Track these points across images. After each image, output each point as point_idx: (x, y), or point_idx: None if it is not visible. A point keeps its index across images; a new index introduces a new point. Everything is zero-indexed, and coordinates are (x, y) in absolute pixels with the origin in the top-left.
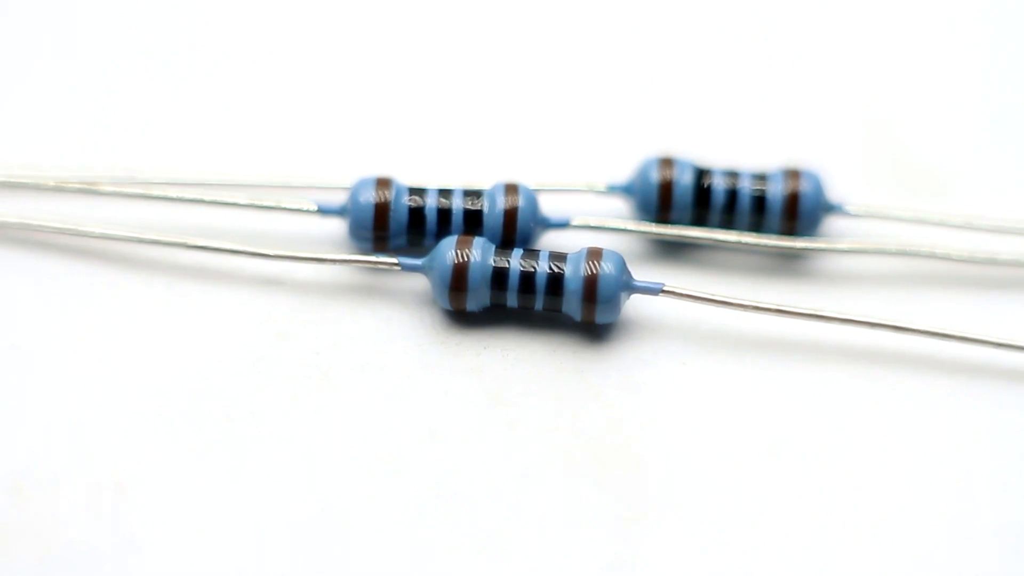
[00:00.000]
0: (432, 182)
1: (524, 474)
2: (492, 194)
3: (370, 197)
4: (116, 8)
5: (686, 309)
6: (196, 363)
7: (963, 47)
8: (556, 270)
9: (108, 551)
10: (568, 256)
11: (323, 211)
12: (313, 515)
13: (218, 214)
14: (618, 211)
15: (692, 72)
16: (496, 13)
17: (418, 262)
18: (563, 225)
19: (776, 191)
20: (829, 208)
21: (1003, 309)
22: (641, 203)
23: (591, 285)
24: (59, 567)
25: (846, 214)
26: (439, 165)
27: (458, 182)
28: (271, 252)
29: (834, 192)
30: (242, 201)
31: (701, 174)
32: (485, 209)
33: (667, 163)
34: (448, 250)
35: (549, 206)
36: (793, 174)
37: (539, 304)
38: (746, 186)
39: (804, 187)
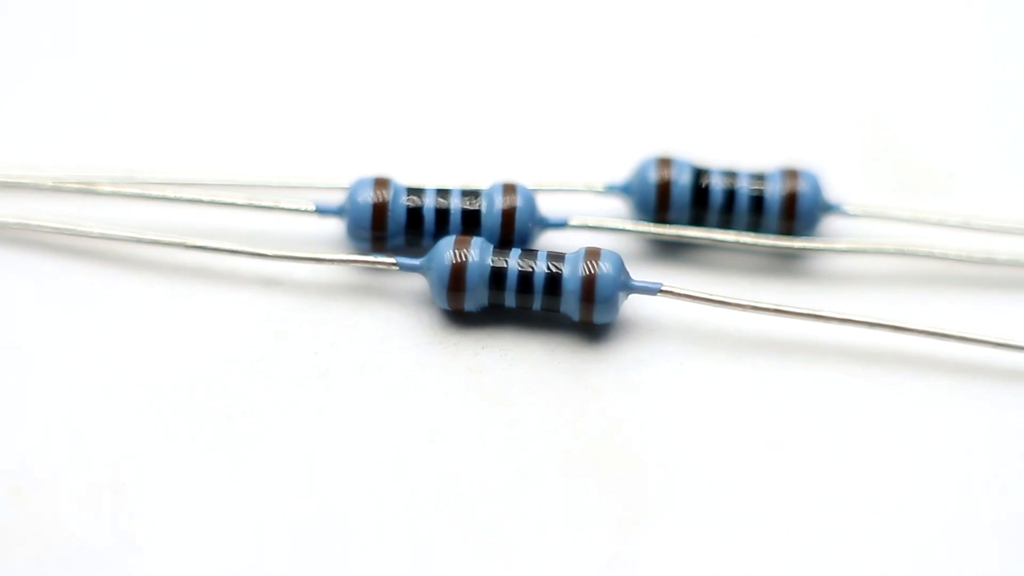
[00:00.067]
0: (430, 182)
1: (523, 474)
2: (490, 194)
3: (368, 197)
4: (115, 8)
5: (684, 309)
6: (194, 363)
7: (963, 47)
8: (554, 270)
9: (108, 551)
10: (566, 256)
11: (321, 211)
12: (312, 515)
13: (216, 214)
14: (616, 211)
15: (690, 72)
16: (494, 13)
17: (416, 262)
18: (561, 225)
19: (774, 191)
20: (827, 208)
21: (1002, 309)
22: (639, 203)
23: (589, 285)
24: (59, 567)
25: (844, 214)
26: (437, 165)
27: (456, 182)
28: (269, 252)
29: (832, 192)
30: (240, 201)
31: (699, 174)
32: (483, 209)
33: (665, 163)
34: (446, 250)
35: (547, 206)
36: (791, 174)
37: (537, 304)
38: (744, 186)
39: (802, 187)
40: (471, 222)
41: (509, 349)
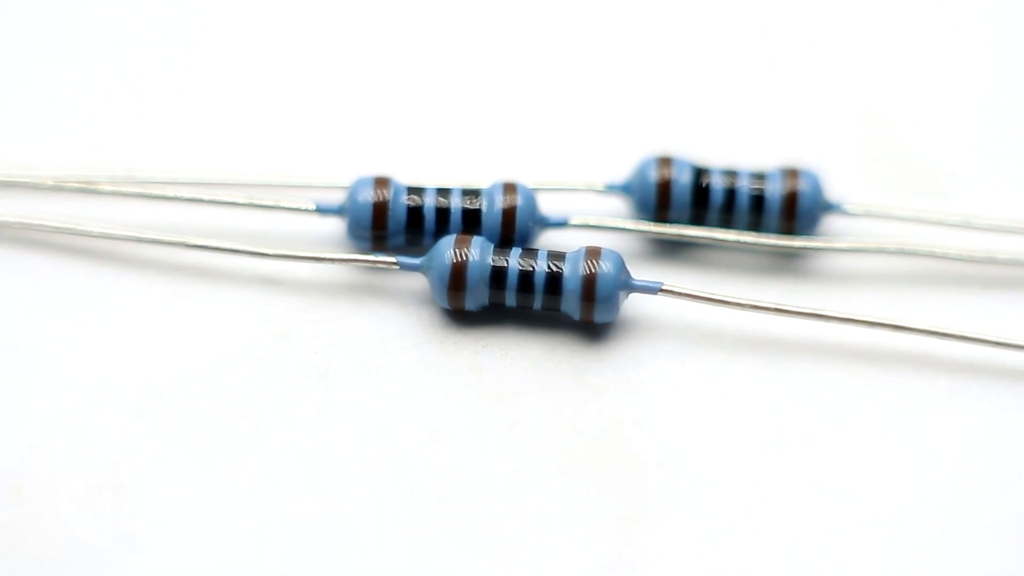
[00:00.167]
0: (431, 181)
1: (523, 473)
2: (491, 193)
3: (369, 196)
4: (115, 8)
5: (685, 308)
6: (195, 363)
7: (963, 47)
8: (555, 269)
9: (108, 551)
10: (567, 255)
11: (322, 210)
12: (312, 515)
13: (217, 213)
14: (616, 210)
15: (691, 71)
16: (495, 13)
17: (417, 261)
18: (562, 224)
19: (775, 190)
20: (828, 207)
21: (1002, 308)
22: (640, 202)
23: (590, 284)
24: (59, 567)
25: (845, 213)
26: (438, 164)
27: (457, 181)
28: (270, 251)
29: (833, 191)
30: (241, 200)
31: (700, 173)
32: (484, 208)
33: (666, 162)
34: (447, 249)
35: (548, 205)
36: (792, 173)
37: (538, 303)
38: (745, 185)
39: (803, 186)
40: (471, 221)
41: (509, 348)
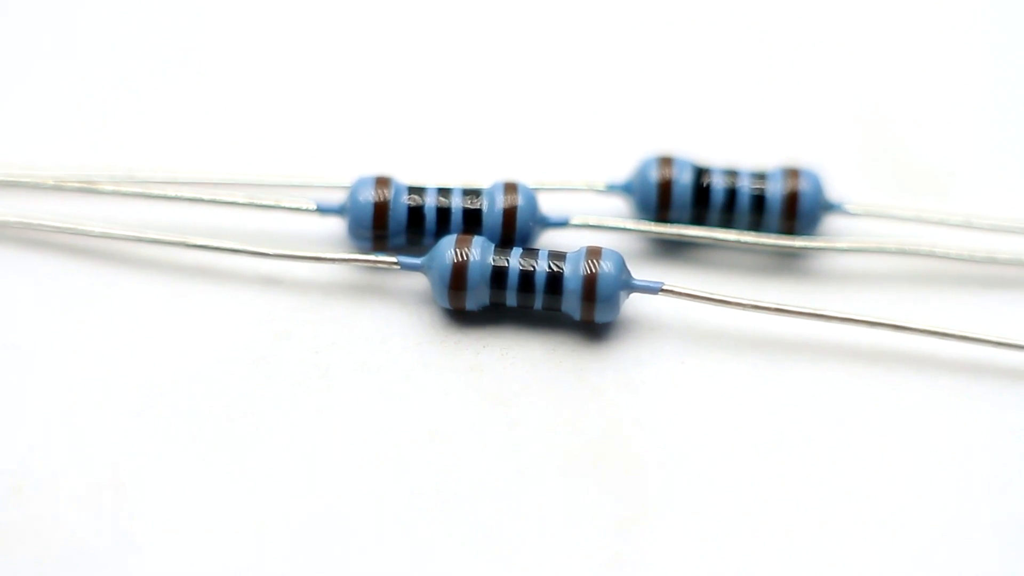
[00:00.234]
0: (431, 181)
1: (523, 473)
2: (491, 193)
3: (369, 196)
4: (115, 8)
5: (685, 308)
6: (195, 362)
7: (963, 47)
8: (555, 269)
9: (108, 551)
10: (567, 255)
11: (322, 210)
12: (312, 514)
13: (217, 213)
14: (617, 210)
15: (691, 71)
16: (495, 12)
17: (417, 261)
18: (562, 224)
19: (775, 190)
20: (828, 207)
21: (1003, 308)
22: (640, 202)
23: (590, 284)
24: (59, 567)
25: (846, 213)
26: (438, 164)
27: (457, 181)
28: (270, 251)
29: (834, 191)
30: (241, 200)
31: (700, 173)
32: (484, 208)
33: (666, 162)
34: (447, 249)
35: (548, 205)
36: (792, 173)
37: (538, 303)
38: (745, 185)
39: (803, 186)
40: (472, 221)
41: (510, 348)
